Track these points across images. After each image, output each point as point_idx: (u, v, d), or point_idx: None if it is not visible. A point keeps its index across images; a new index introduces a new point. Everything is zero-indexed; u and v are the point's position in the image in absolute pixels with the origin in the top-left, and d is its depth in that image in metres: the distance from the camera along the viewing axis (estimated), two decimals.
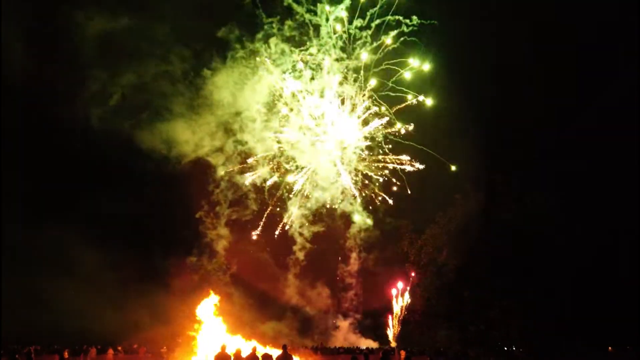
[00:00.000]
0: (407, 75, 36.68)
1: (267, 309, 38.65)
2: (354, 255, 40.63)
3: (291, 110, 38.03)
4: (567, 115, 33.80)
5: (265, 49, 36.33)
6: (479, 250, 30.10)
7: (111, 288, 33.94)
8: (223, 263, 37.60)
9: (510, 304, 29.11)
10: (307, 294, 39.69)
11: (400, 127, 37.49)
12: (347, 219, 40.13)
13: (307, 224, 39.27)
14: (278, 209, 39.54)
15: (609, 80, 31.88)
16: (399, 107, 37.44)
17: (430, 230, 32.70)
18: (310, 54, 36.68)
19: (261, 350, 17.99)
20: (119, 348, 31.99)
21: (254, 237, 38.88)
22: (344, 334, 41.13)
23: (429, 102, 36.43)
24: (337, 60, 37.02)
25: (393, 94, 37.40)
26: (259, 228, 38.96)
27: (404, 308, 37.37)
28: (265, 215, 39.22)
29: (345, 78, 37.65)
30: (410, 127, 37.35)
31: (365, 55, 36.34)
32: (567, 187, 31.69)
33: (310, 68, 37.14)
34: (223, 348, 14.04)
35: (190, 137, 35.97)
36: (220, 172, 37.88)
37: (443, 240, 31.41)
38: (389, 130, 38.13)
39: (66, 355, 28.00)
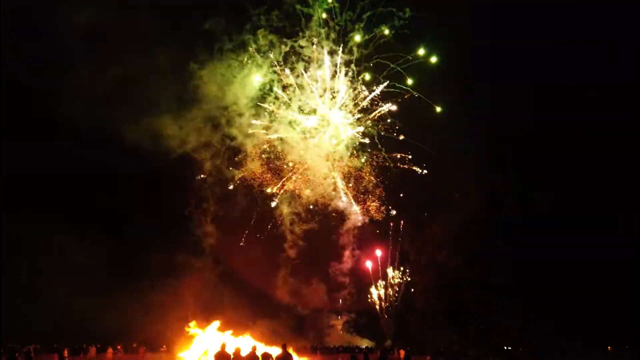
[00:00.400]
0: (402, 69, 35.93)
1: (258, 307, 37.90)
2: (347, 253, 40.01)
3: (281, 104, 36.71)
4: (567, 113, 33.76)
5: (254, 40, 34.82)
6: (479, 250, 30.16)
7: (108, 287, 33.81)
8: (212, 261, 36.99)
9: (510, 303, 29.18)
10: (300, 293, 38.45)
11: (387, 109, 36.26)
12: (340, 216, 38.75)
13: (298, 222, 37.86)
14: (269, 207, 38.72)
15: (612, 74, 31.75)
16: (390, 102, 36.83)
17: (430, 229, 32.77)
18: (300, 45, 35.30)
19: (261, 349, 17.96)
20: (119, 347, 31.90)
21: (243, 241, 37.61)
22: (339, 333, 40.63)
23: (439, 108, 35.76)
24: (328, 53, 35.75)
25: (387, 89, 37.07)
26: (250, 224, 38.24)
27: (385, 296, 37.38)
28: (255, 213, 38.64)
29: (337, 72, 36.34)
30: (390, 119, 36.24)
31: (357, 38, 34.56)
32: (567, 186, 31.72)
33: (302, 60, 35.83)
34: (223, 347, 13.99)
35: (177, 132, 34.36)
36: (208, 167, 36.31)
37: (443, 240, 31.42)
38: (382, 125, 37.45)
39: (66, 354, 27.95)
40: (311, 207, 38.46)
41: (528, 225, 29.93)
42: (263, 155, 37.85)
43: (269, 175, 38.27)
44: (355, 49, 35.78)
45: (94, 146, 35.87)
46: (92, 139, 35.02)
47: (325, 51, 36.24)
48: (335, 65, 36.53)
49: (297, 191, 38.58)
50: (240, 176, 37.61)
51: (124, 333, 34.16)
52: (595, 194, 31.17)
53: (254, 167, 37.75)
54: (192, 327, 24.53)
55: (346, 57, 36.17)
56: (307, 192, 38.42)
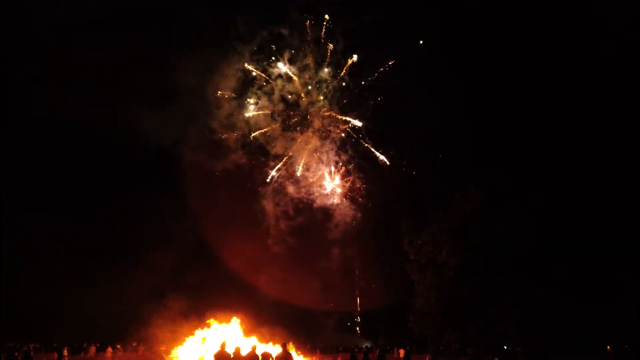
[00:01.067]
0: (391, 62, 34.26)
1: (246, 305, 36.40)
2: (336, 250, 37.82)
3: (263, 95, 35.11)
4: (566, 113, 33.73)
5: (235, 27, 33.41)
6: (478, 249, 30.14)
7: (107, 286, 33.71)
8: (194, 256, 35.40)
9: (509, 303, 29.18)
10: (289, 291, 37.02)
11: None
12: (328, 212, 37.37)
13: (284, 217, 36.72)
14: (253, 202, 36.95)
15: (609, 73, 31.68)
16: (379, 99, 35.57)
17: (430, 229, 32.67)
18: (283, 34, 33.67)
19: (260, 348, 17.95)
20: (118, 346, 31.91)
21: (228, 237, 35.92)
22: (332, 332, 39.42)
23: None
24: (313, 41, 34.29)
25: (374, 82, 35.40)
26: (234, 219, 36.62)
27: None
28: (239, 207, 37.01)
29: (321, 62, 34.83)
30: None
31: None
32: (567, 186, 31.71)
33: (287, 48, 34.44)
34: (223, 346, 13.94)
35: (155, 123, 32.97)
36: (188, 159, 35.14)
37: (443, 239, 31.35)
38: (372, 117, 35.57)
39: (65, 353, 28.02)
40: (297, 202, 37.16)
41: (528, 225, 29.93)
42: (245, 148, 36.51)
43: (253, 168, 36.93)
44: (340, 37, 34.30)
45: (72, 137, 34.96)
46: (68, 128, 34.10)
47: (309, 39, 34.63)
48: (322, 56, 34.96)
49: (281, 186, 37.10)
50: (221, 168, 36.07)
51: (123, 332, 34.11)
52: (595, 192, 31.17)
53: (236, 159, 36.34)
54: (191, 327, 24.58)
55: (331, 46, 34.77)
56: (292, 187, 36.87)
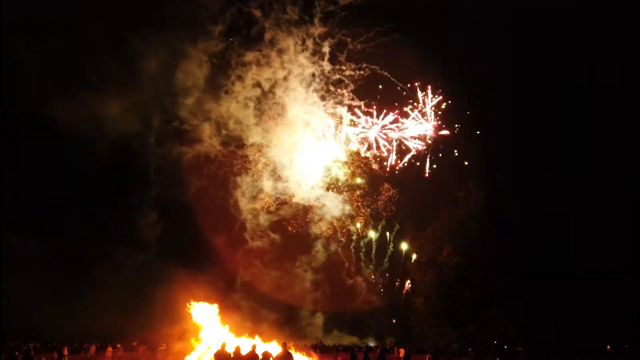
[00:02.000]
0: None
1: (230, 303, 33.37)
2: (320, 247, 35.71)
3: (236, 79, 32.31)
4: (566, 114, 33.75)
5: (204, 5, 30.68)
6: (479, 249, 30.16)
7: (107, 285, 33.54)
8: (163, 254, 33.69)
9: (509, 303, 29.19)
10: (272, 287, 34.97)
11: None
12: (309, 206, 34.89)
13: (262, 211, 34.14)
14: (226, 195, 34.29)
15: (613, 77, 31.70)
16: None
17: (431, 228, 32.70)
18: (255, 9, 30.91)
19: (260, 348, 17.93)
20: (118, 346, 31.86)
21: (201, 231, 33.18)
22: (318, 330, 38.19)
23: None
24: (293, 23, 31.76)
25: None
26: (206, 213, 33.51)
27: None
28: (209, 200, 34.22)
29: (301, 44, 32.07)
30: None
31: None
32: (568, 187, 31.73)
33: (263, 29, 31.70)
34: (223, 346, 13.99)
35: (117, 113, 30.49)
36: (154, 151, 32.55)
37: (444, 239, 31.35)
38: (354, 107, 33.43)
39: (65, 352, 28.01)
40: (277, 197, 34.67)
41: (528, 225, 29.94)
42: (218, 138, 33.98)
43: (225, 159, 34.48)
44: (317, 21, 31.99)
45: (25, 130, 32.45)
46: (23, 122, 31.78)
47: (286, 20, 32.03)
48: (302, 41, 32.51)
49: (259, 177, 34.50)
50: (190, 156, 33.45)
51: (124, 332, 34.03)
52: (595, 194, 31.20)
53: (208, 150, 33.64)
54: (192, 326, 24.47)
55: (311, 30, 32.45)
56: (269, 182, 34.08)
